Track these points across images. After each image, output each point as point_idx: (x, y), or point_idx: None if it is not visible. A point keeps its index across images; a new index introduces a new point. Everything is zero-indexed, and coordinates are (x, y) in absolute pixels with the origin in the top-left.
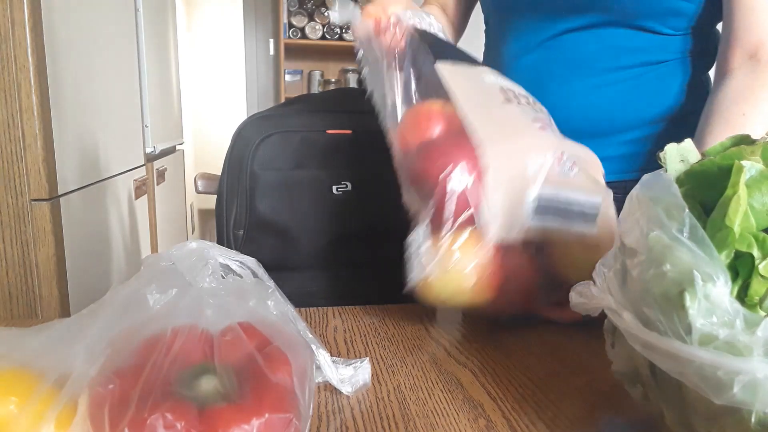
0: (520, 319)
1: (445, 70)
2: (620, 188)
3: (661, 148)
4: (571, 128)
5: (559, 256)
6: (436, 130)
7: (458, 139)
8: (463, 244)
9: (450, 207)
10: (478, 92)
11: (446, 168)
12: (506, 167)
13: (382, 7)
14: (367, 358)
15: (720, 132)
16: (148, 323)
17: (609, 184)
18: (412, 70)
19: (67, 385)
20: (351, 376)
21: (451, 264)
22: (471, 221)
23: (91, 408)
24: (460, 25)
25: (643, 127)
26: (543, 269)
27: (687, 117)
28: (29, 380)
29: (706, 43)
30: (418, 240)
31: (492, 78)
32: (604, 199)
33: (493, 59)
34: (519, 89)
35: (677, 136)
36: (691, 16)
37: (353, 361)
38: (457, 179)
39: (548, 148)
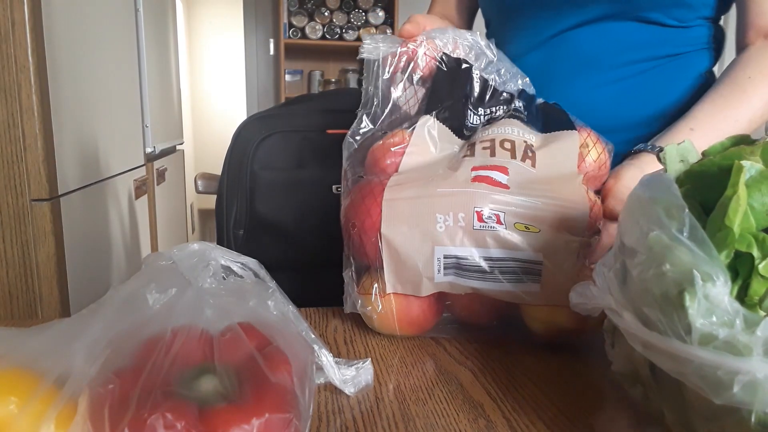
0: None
1: (422, 126)
2: None
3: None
4: None
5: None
6: (379, 168)
7: (377, 189)
8: (369, 291)
9: (357, 254)
10: (432, 160)
11: (357, 216)
12: (404, 223)
13: (417, 25)
14: (369, 359)
15: (723, 89)
16: (147, 323)
17: None
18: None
19: (67, 385)
20: (353, 377)
21: (365, 307)
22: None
23: (91, 408)
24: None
25: (650, 125)
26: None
27: None
28: (29, 380)
29: (713, 37)
30: (347, 278)
31: (454, 151)
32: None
33: None
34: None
35: None
36: (697, 7)
37: (355, 361)
38: (363, 230)
39: (458, 207)
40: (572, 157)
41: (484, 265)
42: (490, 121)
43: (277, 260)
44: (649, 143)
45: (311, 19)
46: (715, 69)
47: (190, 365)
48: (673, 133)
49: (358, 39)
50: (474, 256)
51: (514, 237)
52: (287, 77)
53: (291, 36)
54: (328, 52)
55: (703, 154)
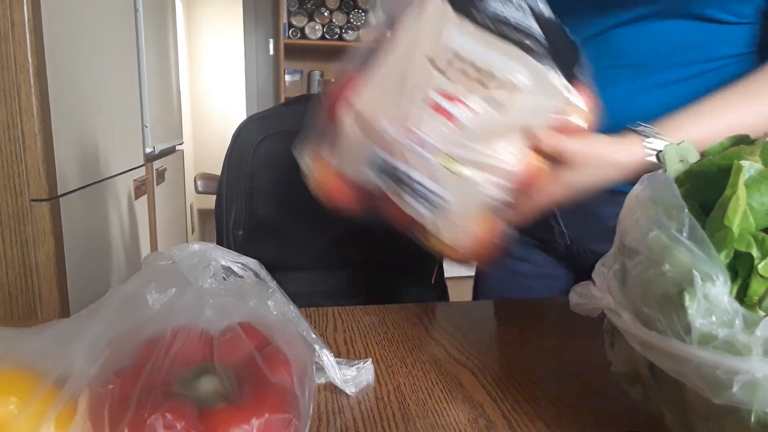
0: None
1: (428, 9)
2: None
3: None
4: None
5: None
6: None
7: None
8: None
9: (323, 124)
10: (423, 45)
11: (333, 91)
12: (359, 116)
13: None
14: (370, 360)
15: (744, 82)
16: (147, 323)
17: None
18: None
19: (66, 385)
20: (354, 377)
21: (306, 163)
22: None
23: (91, 408)
24: None
25: None
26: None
27: None
28: (29, 380)
29: None
30: (311, 133)
31: (460, 40)
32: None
33: None
34: (495, 62)
35: None
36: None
37: (356, 361)
38: (330, 105)
39: (404, 120)
40: (542, 118)
41: (403, 178)
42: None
43: (277, 260)
44: (643, 125)
45: (311, 19)
46: None
47: (190, 365)
48: (674, 119)
49: (358, 39)
50: (399, 167)
51: (437, 170)
52: (287, 77)
53: (291, 36)
54: (327, 52)
55: (702, 154)
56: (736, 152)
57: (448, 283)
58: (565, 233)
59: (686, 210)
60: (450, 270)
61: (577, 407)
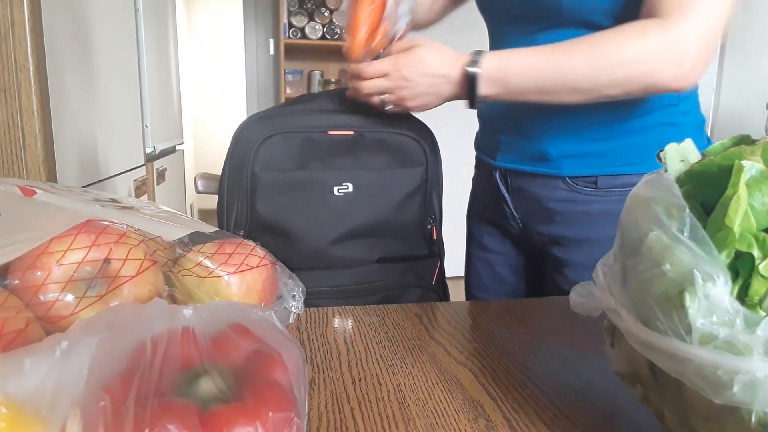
0: None
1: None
2: (591, 183)
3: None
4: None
5: None
6: None
7: None
8: None
9: None
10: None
11: None
12: None
13: None
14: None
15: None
16: (123, 337)
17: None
18: None
19: (52, 410)
20: None
21: None
22: None
23: (87, 430)
24: (436, 15)
25: (612, 128)
26: None
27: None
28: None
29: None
30: None
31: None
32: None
33: None
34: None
35: (647, 134)
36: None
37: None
38: None
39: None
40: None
41: None
42: None
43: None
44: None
45: (311, 19)
46: None
47: (184, 368)
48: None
49: None
50: None
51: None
52: (287, 77)
53: (291, 36)
54: (328, 52)
55: (704, 154)
56: (737, 152)
57: (448, 283)
58: (516, 217)
59: (687, 210)
60: (450, 270)
61: (577, 407)
